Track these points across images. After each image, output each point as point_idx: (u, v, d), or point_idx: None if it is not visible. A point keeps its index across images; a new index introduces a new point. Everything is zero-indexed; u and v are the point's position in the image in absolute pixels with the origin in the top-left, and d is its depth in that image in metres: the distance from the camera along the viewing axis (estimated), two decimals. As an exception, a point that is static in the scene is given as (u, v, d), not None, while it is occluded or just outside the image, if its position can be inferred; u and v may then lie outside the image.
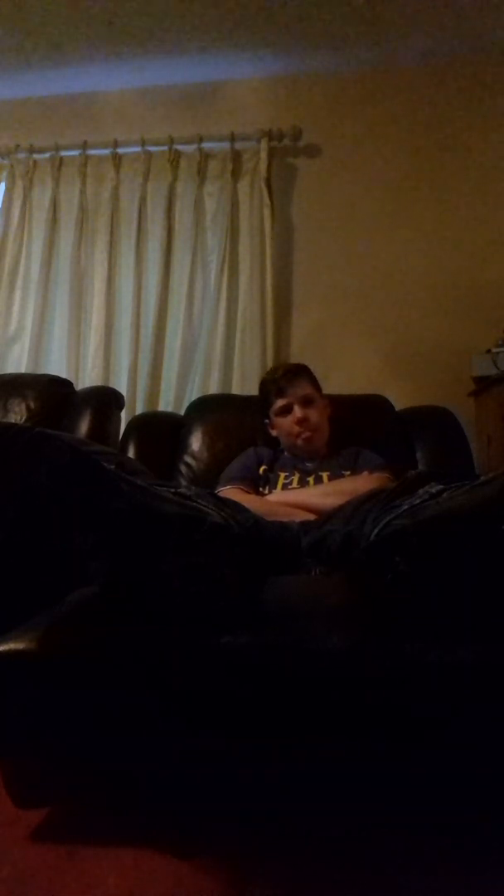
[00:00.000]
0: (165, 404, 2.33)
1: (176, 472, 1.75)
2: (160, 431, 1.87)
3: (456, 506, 0.75)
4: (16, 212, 2.51)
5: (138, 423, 1.89)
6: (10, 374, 2.17)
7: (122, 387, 2.25)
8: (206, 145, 2.42)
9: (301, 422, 1.59)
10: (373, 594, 0.83)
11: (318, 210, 2.44)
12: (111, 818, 0.87)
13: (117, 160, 2.47)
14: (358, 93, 2.44)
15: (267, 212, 2.35)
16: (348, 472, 1.54)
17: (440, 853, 0.78)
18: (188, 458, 1.77)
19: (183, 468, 1.76)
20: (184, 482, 1.69)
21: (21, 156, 2.53)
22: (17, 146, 2.52)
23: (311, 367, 1.74)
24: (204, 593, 0.74)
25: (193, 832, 0.83)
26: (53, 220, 2.48)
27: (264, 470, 1.58)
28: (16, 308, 2.47)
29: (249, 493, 1.49)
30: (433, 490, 0.82)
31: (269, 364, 2.24)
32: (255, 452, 1.64)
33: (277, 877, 0.75)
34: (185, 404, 2.09)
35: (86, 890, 0.73)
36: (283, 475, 1.55)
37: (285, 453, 1.67)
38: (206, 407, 1.95)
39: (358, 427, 1.76)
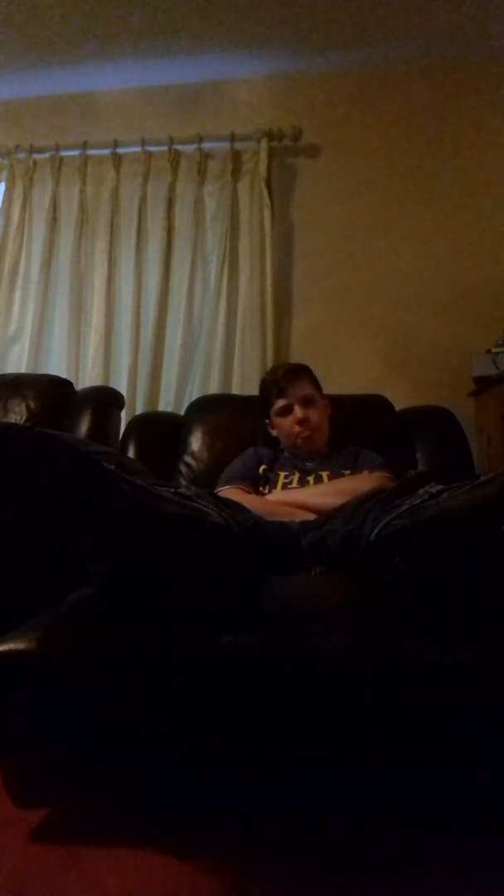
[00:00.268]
0: (165, 404, 2.33)
1: (176, 472, 1.75)
2: (160, 431, 1.87)
3: (456, 506, 0.75)
4: (16, 212, 2.51)
5: (138, 423, 1.89)
6: (10, 374, 2.17)
7: (122, 387, 2.25)
8: (206, 145, 2.42)
9: (301, 422, 1.59)
10: (373, 594, 0.83)
11: (318, 210, 2.43)
12: (111, 818, 0.87)
13: (117, 160, 2.47)
14: (358, 93, 2.44)
15: (267, 212, 2.35)
16: (348, 472, 1.54)
17: (440, 853, 0.78)
18: (188, 458, 1.77)
19: (183, 468, 1.76)
20: (184, 482, 1.69)
21: (21, 156, 2.53)
22: (17, 146, 2.52)
23: (311, 367, 1.73)
24: (204, 593, 0.74)
25: (193, 832, 0.83)
26: (53, 220, 2.47)
27: (264, 470, 1.58)
28: (16, 308, 2.47)
29: (249, 492, 1.49)
30: (433, 490, 0.82)
31: (269, 364, 2.23)
32: (255, 452, 1.64)
33: (277, 877, 0.75)
34: (185, 404, 2.09)
35: (86, 890, 0.73)
36: (283, 475, 1.55)
37: (285, 453, 1.67)
38: (206, 407, 1.95)
39: (358, 427, 1.76)
